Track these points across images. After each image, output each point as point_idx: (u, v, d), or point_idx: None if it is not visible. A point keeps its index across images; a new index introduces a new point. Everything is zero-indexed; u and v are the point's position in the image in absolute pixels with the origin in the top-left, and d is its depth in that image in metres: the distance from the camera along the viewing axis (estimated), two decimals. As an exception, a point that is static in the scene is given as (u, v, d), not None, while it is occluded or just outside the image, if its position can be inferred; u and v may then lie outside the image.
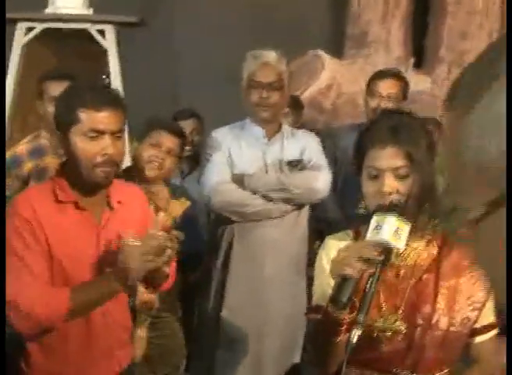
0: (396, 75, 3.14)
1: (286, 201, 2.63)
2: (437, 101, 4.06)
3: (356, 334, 1.30)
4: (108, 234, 1.78)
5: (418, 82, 4.28)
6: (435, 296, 1.47)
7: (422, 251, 1.50)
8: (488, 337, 1.51)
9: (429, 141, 1.46)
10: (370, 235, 1.32)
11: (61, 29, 3.73)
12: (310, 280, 2.69)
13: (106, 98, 1.74)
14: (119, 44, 3.81)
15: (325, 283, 1.50)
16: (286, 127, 2.79)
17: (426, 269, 1.49)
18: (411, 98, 3.43)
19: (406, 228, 1.31)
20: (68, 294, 1.68)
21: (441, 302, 1.46)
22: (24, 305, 1.65)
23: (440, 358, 1.48)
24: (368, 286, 1.32)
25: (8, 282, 1.65)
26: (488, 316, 1.49)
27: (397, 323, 1.46)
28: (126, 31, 3.90)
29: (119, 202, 1.84)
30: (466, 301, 1.47)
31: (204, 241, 2.94)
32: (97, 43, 3.74)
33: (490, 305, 1.48)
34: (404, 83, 3.12)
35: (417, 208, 1.43)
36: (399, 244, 1.31)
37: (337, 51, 4.62)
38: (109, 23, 3.72)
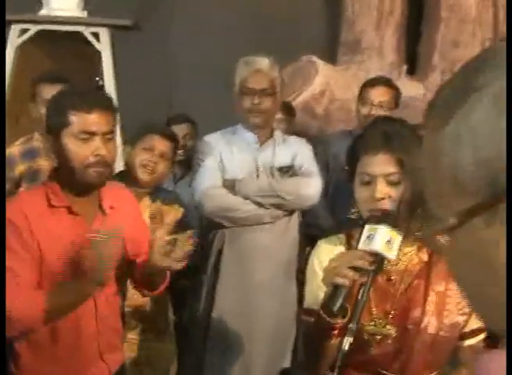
0: (388, 83, 3.16)
1: (277, 206, 2.64)
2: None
3: (348, 342, 1.31)
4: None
5: (411, 89, 4.31)
6: (425, 301, 1.48)
7: (413, 257, 1.52)
8: (476, 341, 1.52)
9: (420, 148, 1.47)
10: (362, 245, 1.33)
11: (55, 31, 3.73)
12: (300, 285, 2.70)
13: (96, 100, 1.75)
14: (113, 46, 3.81)
15: (316, 287, 1.51)
16: (277, 133, 2.80)
17: (416, 274, 1.51)
18: (404, 104, 3.45)
19: (398, 238, 1.32)
20: (43, 297, 1.67)
21: (431, 307, 1.48)
22: (7, 309, 1.65)
23: (429, 361, 1.49)
24: (359, 295, 1.33)
25: None
26: (477, 321, 1.50)
27: (387, 326, 1.48)
28: (120, 34, 3.91)
29: (111, 207, 1.84)
30: (455, 306, 1.48)
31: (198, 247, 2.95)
32: (92, 45, 3.75)
33: None
34: (396, 91, 3.14)
35: (409, 214, 1.44)
36: (390, 254, 1.32)
37: (331, 57, 4.64)
38: (103, 25, 3.73)
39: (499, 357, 0.52)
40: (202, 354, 2.71)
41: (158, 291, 2.02)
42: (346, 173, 1.54)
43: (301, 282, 2.63)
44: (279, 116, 3.15)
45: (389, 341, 1.48)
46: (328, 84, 4.32)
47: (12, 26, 3.65)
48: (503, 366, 0.51)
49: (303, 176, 2.68)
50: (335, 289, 1.33)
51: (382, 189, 1.43)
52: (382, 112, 2.98)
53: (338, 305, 1.32)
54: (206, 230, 2.82)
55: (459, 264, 0.58)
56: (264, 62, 2.66)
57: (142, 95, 4.45)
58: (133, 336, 2.50)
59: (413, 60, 4.75)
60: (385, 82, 3.16)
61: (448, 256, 0.59)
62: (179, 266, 1.80)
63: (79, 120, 1.71)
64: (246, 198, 2.62)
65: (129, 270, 1.95)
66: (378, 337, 1.48)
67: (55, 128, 1.74)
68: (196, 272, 2.79)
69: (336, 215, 2.96)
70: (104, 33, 3.73)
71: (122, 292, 2.11)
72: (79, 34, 3.72)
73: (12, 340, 1.77)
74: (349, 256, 1.35)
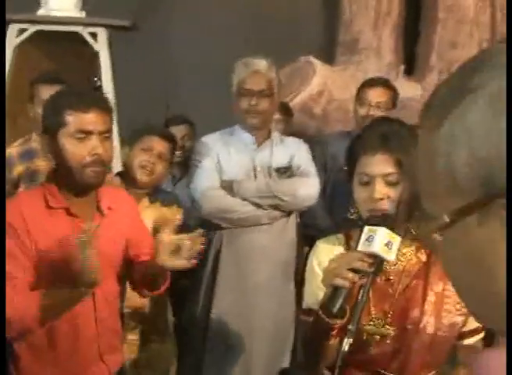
0: (386, 83, 3.16)
1: (275, 207, 2.64)
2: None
3: (347, 343, 1.31)
4: (99, 240, 1.79)
5: (409, 89, 4.32)
6: (424, 301, 1.49)
7: (412, 257, 1.53)
8: (474, 341, 1.53)
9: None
10: (361, 246, 1.33)
11: (53, 31, 3.73)
12: (298, 285, 2.71)
13: (93, 100, 1.76)
14: (111, 46, 3.81)
15: (315, 287, 1.52)
16: (275, 134, 2.80)
17: (415, 274, 1.51)
18: (402, 104, 3.45)
19: (397, 240, 1.33)
20: (38, 297, 1.67)
21: (429, 307, 1.48)
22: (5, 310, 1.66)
23: (427, 360, 1.50)
24: (359, 296, 1.34)
25: None
26: (475, 321, 1.51)
27: (386, 326, 1.49)
28: (118, 34, 3.91)
29: (109, 208, 1.85)
30: (454, 306, 1.49)
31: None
32: (90, 45, 3.75)
33: None
34: (393, 92, 3.14)
35: (408, 215, 1.45)
36: (389, 256, 1.33)
37: (329, 58, 4.64)
38: (101, 26, 3.73)
39: (499, 355, 0.53)
40: (201, 354, 2.72)
41: (159, 291, 2.02)
42: (345, 174, 1.55)
43: (299, 282, 2.64)
44: (276, 116, 3.16)
45: (388, 341, 1.49)
46: (325, 85, 4.33)
47: (10, 26, 3.65)
48: (502, 364, 0.52)
49: (300, 177, 2.69)
50: (334, 290, 1.33)
51: (380, 189, 1.43)
52: (379, 113, 2.98)
53: (337, 306, 1.33)
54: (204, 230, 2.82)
55: (452, 262, 0.59)
56: (261, 64, 2.66)
57: (140, 95, 4.45)
58: (132, 337, 2.51)
59: (410, 61, 4.75)
60: (383, 83, 3.16)
61: (442, 254, 0.60)
62: (189, 264, 1.79)
63: (75, 120, 1.71)
64: (244, 199, 2.62)
65: (127, 271, 1.95)
66: (377, 336, 1.49)
67: (51, 128, 1.74)
68: (194, 272, 2.79)
69: (333, 215, 2.97)
70: (102, 34, 3.73)
71: (122, 293, 2.11)
72: (77, 34, 3.72)
73: (11, 341, 1.77)
74: (348, 258, 1.36)
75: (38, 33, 3.71)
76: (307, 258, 1.68)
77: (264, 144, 2.73)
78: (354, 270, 1.32)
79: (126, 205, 1.95)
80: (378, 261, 1.33)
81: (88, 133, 1.72)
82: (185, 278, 2.74)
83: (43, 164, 2.57)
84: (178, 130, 3.17)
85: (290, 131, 3.25)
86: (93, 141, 1.73)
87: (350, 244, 1.57)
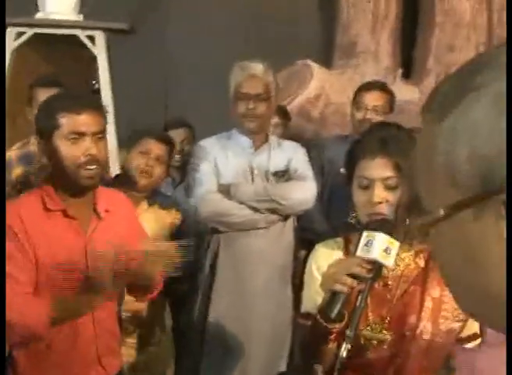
0: (383, 87, 3.17)
1: (272, 211, 2.65)
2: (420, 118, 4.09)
3: (346, 349, 1.32)
4: (96, 243, 1.80)
5: (406, 92, 4.32)
6: (421, 307, 1.49)
7: (410, 262, 1.53)
8: (472, 346, 1.53)
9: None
10: (360, 252, 1.34)
11: (51, 34, 3.73)
12: (295, 289, 2.71)
13: (85, 102, 1.79)
14: (109, 49, 3.82)
15: (314, 291, 1.52)
16: (272, 138, 2.80)
17: (413, 280, 1.52)
18: (399, 108, 3.46)
19: (395, 246, 1.33)
20: (49, 305, 1.69)
21: (426, 313, 1.49)
22: (9, 316, 1.66)
23: (424, 366, 1.50)
24: (357, 302, 1.34)
25: None
26: (472, 327, 1.51)
27: (383, 332, 1.49)
28: (116, 37, 3.91)
29: (106, 211, 1.86)
30: (451, 312, 1.49)
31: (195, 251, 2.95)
32: (88, 48, 3.75)
33: None
34: (390, 96, 3.15)
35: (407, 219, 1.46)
36: (388, 261, 1.33)
37: (326, 61, 4.64)
38: (99, 29, 3.73)
39: (486, 356, 0.54)
40: (199, 358, 2.72)
41: (151, 296, 2.03)
42: (344, 177, 1.56)
43: (297, 286, 2.65)
44: (274, 120, 3.16)
45: (385, 346, 1.49)
46: (323, 88, 4.33)
47: (8, 30, 3.65)
48: (489, 365, 0.53)
49: (297, 181, 2.69)
50: (333, 295, 1.34)
51: (379, 193, 1.44)
52: (376, 117, 2.99)
53: (335, 311, 1.33)
54: (201, 234, 2.83)
55: (443, 254, 0.59)
56: (258, 67, 2.67)
57: (138, 98, 4.46)
58: (130, 340, 2.51)
59: (408, 64, 4.76)
60: (380, 86, 3.17)
61: (433, 246, 0.60)
62: (172, 274, 1.80)
63: (68, 122, 1.74)
64: (241, 202, 2.63)
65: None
66: (375, 341, 1.49)
67: (46, 131, 1.77)
68: (193, 276, 2.79)
69: (331, 219, 2.97)
70: (100, 37, 3.73)
71: (120, 296, 2.12)
72: (75, 38, 3.72)
73: (11, 347, 1.78)
74: (347, 263, 1.36)
75: (36, 36, 3.70)
76: (305, 261, 1.69)
77: (261, 148, 2.74)
78: (353, 276, 1.33)
79: (123, 208, 1.96)
80: (376, 267, 1.33)
81: (81, 134, 1.75)
82: (184, 281, 2.75)
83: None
84: (177, 134, 3.18)
85: (288, 135, 3.26)
86: (86, 142, 1.75)
87: (349, 248, 1.57)
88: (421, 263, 1.53)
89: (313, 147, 3.14)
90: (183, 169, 3.17)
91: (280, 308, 2.71)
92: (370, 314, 1.50)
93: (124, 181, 2.50)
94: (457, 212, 0.54)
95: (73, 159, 1.74)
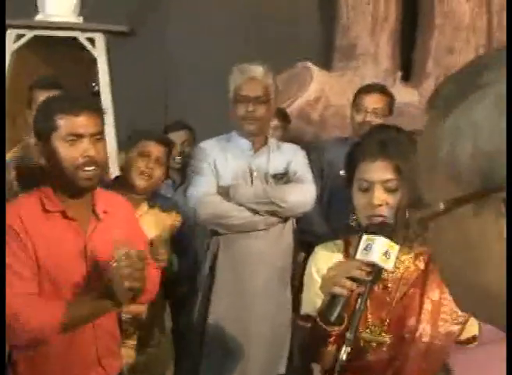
0: (382, 90, 3.17)
1: (271, 213, 2.65)
2: (424, 113, 4.09)
3: (345, 352, 1.32)
4: (95, 244, 1.80)
5: (406, 95, 4.32)
6: (421, 309, 1.49)
7: (410, 265, 1.53)
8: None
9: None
10: (360, 255, 1.34)
11: (51, 36, 3.74)
12: (294, 291, 2.71)
13: (83, 104, 1.80)
14: (108, 52, 3.82)
15: (313, 293, 1.53)
16: (272, 140, 2.81)
17: (412, 282, 1.52)
18: (399, 110, 3.46)
19: (395, 249, 1.33)
20: (62, 309, 1.70)
21: (425, 316, 1.49)
22: (18, 317, 1.66)
23: (423, 368, 1.50)
24: (357, 305, 1.35)
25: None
26: (471, 330, 1.52)
27: (382, 334, 1.50)
28: (116, 39, 3.92)
29: (105, 212, 1.86)
30: (450, 315, 1.49)
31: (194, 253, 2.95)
32: (88, 51, 3.75)
33: (474, 320, 1.50)
34: (390, 98, 3.15)
35: (406, 221, 1.46)
36: (388, 265, 1.34)
37: (326, 64, 4.64)
38: (99, 31, 3.74)
39: (474, 354, 0.54)
40: (198, 359, 2.72)
41: (143, 300, 2.02)
42: (344, 180, 1.57)
43: (296, 288, 2.65)
44: (274, 123, 3.17)
45: (384, 348, 1.49)
46: (323, 90, 4.33)
47: (8, 32, 3.65)
48: (484, 362, 0.53)
49: (297, 183, 2.69)
50: (332, 298, 1.34)
51: (379, 196, 1.45)
52: (375, 119, 2.99)
53: (335, 315, 1.34)
54: (200, 236, 2.83)
55: (441, 248, 0.60)
56: (258, 70, 2.67)
57: (138, 100, 4.46)
58: (130, 341, 2.50)
59: (407, 67, 4.76)
60: (380, 89, 3.17)
61: (434, 243, 0.61)
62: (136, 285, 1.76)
63: (66, 123, 1.74)
64: (240, 204, 2.63)
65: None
66: (374, 344, 1.50)
67: (44, 133, 1.77)
68: (192, 277, 2.80)
69: (330, 221, 2.97)
70: (100, 39, 3.74)
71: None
72: (75, 40, 3.73)
73: (12, 349, 1.78)
74: (347, 266, 1.37)
75: (36, 38, 3.71)
76: (304, 263, 1.69)
77: (261, 151, 2.74)
78: (353, 279, 1.33)
79: (122, 210, 1.96)
80: (376, 270, 1.34)
81: (79, 136, 1.75)
82: (183, 283, 2.75)
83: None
84: (178, 136, 3.18)
85: (288, 137, 3.26)
86: (84, 143, 1.76)
87: (348, 251, 1.58)
88: (421, 266, 1.54)
89: (313, 149, 3.14)
90: (183, 171, 3.18)
91: (279, 310, 2.71)
92: (369, 316, 1.51)
93: (123, 183, 2.50)
94: (457, 207, 0.55)
95: (71, 161, 1.75)
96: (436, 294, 1.50)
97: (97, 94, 3.73)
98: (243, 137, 2.72)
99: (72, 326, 1.74)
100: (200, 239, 2.82)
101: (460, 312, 1.49)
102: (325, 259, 1.56)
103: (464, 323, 1.49)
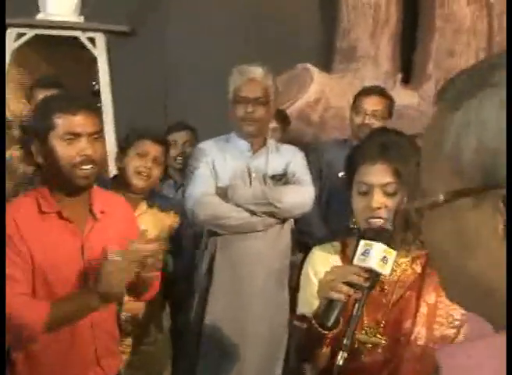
0: (382, 92, 3.18)
1: (270, 214, 2.65)
2: (424, 116, 4.10)
3: (342, 357, 1.32)
4: (93, 244, 1.80)
5: (406, 97, 4.33)
6: (416, 313, 1.49)
7: (407, 268, 1.54)
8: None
9: (418, 159, 1.49)
10: (357, 260, 1.34)
11: (52, 35, 3.74)
12: (292, 292, 2.71)
13: (80, 103, 1.80)
14: (109, 51, 3.82)
15: (309, 294, 1.53)
16: (270, 142, 2.81)
17: (409, 285, 1.52)
18: (399, 113, 3.47)
19: (393, 255, 1.33)
20: (47, 308, 1.69)
21: (421, 319, 1.49)
22: (8, 314, 1.67)
23: (418, 370, 1.50)
24: (354, 311, 1.34)
25: None
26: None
27: (378, 336, 1.50)
28: (116, 39, 3.92)
29: (102, 212, 1.86)
30: (445, 319, 1.49)
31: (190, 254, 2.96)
32: (88, 50, 3.76)
33: None
34: (390, 101, 3.16)
35: (405, 225, 1.46)
36: (385, 270, 1.33)
37: (326, 65, 4.65)
38: (100, 31, 3.74)
39: (461, 351, 0.55)
40: (195, 359, 2.72)
41: (147, 297, 2.03)
42: (344, 182, 1.57)
43: (294, 289, 2.65)
44: (273, 124, 3.17)
45: (379, 350, 1.49)
46: (323, 92, 4.34)
47: (9, 30, 3.65)
48: (466, 361, 0.54)
49: (295, 184, 2.69)
50: (329, 303, 1.34)
51: (378, 199, 1.45)
52: (375, 122, 3.00)
53: (332, 320, 1.34)
54: (198, 236, 2.83)
55: (437, 237, 0.60)
56: (257, 71, 2.67)
57: (138, 100, 4.46)
58: (128, 340, 2.51)
59: (408, 69, 4.76)
60: (379, 91, 3.18)
61: (426, 227, 0.62)
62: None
63: (64, 122, 1.75)
64: (238, 205, 2.63)
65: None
66: (369, 345, 1.50)
67: (41, 132, 1.77)
68: (190, 278, 2.80)
69: (329, 222, 2.98)
70: (101, 39, 3.74)
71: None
72: (75, 39, 3.73)
73: (10, 348, 1.78)
74: (344, 271, 1.36)
75: (37, 37, 3.71)
76: (301, 264, 1.69)
77: (259, 152, 2.74)
78: (349, 284, 1.33)
79: (120, 209, 1.96)
80: (373, 275, 1.34)
81: (77, 135, 1.76)
82: (180, 283, 2.75)
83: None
84: (179, 137, 3.20)
85: (287, 139, 3.26)
86: (82, 142, 1.76)
87: (345, 252, 1.58)
88: (418, 269, 1.54)
89: (312, 150, 3.14)
90: (184, 171, 3.18)
91: (277, 311, 2.71)
92: (365, 318, 1.50)
93: (121, 182, 2.50)
94: (456, 200, 0.56)
95: (69, 159, 1.75)
96: (432, 297, 1.50)
97: (98, 93, 3.73)
98: (241, 138, 2.72)
99: (58, 325, 1.73)
100: (198, 239, 2.83)
101: (455, 316, 1.49)
102: (321, 261, 1.56)
103: (460, 327, 1.49)
